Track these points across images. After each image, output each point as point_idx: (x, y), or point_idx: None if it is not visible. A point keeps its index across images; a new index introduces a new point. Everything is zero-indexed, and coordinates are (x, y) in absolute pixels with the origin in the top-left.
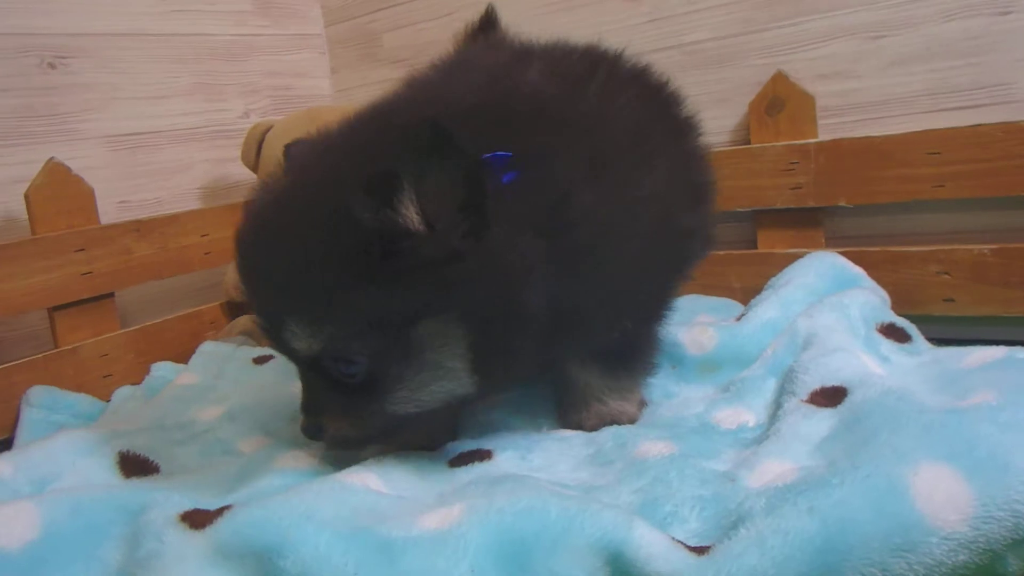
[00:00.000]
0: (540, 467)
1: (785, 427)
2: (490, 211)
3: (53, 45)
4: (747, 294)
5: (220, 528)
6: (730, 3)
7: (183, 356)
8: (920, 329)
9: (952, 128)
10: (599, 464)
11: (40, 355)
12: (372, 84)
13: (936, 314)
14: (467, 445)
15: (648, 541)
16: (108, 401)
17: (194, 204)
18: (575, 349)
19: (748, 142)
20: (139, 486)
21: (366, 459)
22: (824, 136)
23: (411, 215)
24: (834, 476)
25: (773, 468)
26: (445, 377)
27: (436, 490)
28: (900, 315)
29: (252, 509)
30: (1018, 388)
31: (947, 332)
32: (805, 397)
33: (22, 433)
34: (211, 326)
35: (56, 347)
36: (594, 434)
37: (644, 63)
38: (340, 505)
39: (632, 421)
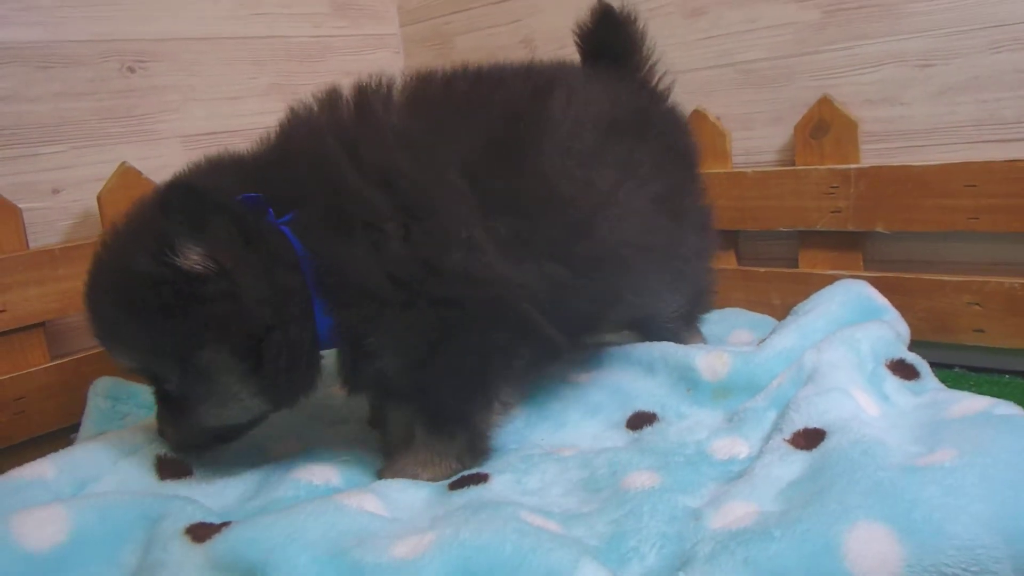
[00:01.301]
0: (533, 491)
1: (760, 467)
2: (239, 249)
3: (134, 50)
4: (787, 311)
5: (216, 544)
6: (785, 24)
7: None
8: (951, 357)
9: (990, 162)
10: (589, 490)
11: None
12: None
13: (967, 343)
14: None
15: None
16: None
17: None
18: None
19: (794, 163)
20: (164, 492)
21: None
22: (868, 161)
23: (191, 262)
24: (776, 528)
25: (737, 509)
26: (235, 398)
27: (431, 513)
28: (933, 343)
29: (245, 528)
30: (978, 449)
31: (978, 361)
32: (788, 436)
33: (88, 421)
34: None
35: None
36: (591, 456)
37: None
38: (329, 527)
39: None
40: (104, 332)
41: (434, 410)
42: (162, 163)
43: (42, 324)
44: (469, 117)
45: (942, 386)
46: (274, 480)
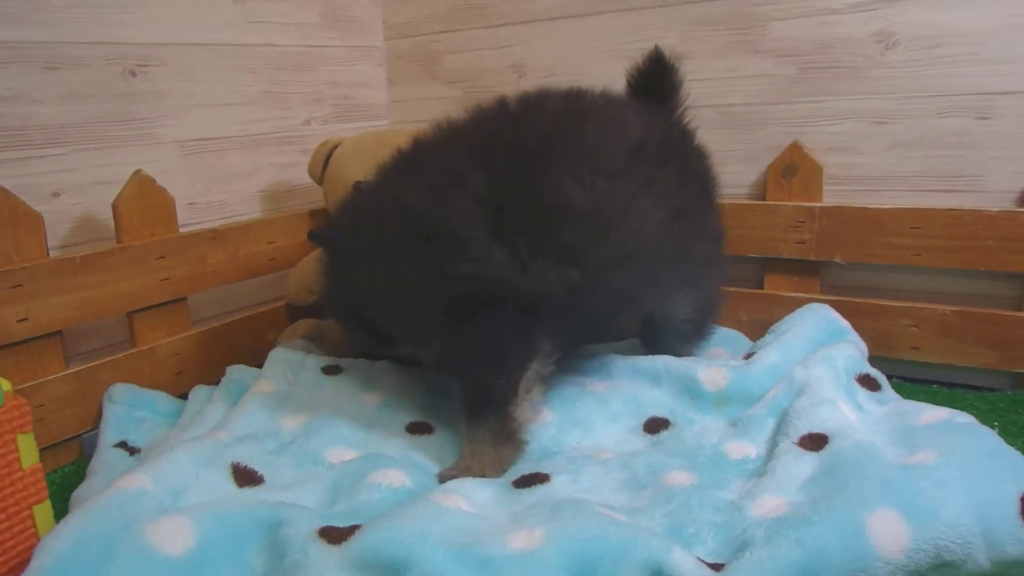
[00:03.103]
0: (588, 489)
1: (779, 466)
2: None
3: (136, 55)
4: (752, 326)
5: (353, 544)
6: (764, 75)
7: (247, 354)
8: (890, 369)
9: (932, 208)
10: (634, 488)
11: (121, 355)
12: (428, 99)
13: (905, 359)
14: (527, 468)
15: (682, 562)
16: (180, 396)
17: (256, 207)
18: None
19: (764, 198)
20: (259, 497)
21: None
22: (830, 201)
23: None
24: (814, 514)
25: (769, 501)
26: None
27: (508, 510)
28: (877, 357)
29: (378, 530)
30: (952, 451)
31: (912, 373)
32: (796, 440)
33: (107, 428)
34: (272, 326)
35: (134, 347)
36: (628, 458)
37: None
38: (444, 526)
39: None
40: None
41: (462, 390)
42: (160, 168)
43: (59, 332)
44: (495, 151)
45: (899, 397)
46: (347, 485)
